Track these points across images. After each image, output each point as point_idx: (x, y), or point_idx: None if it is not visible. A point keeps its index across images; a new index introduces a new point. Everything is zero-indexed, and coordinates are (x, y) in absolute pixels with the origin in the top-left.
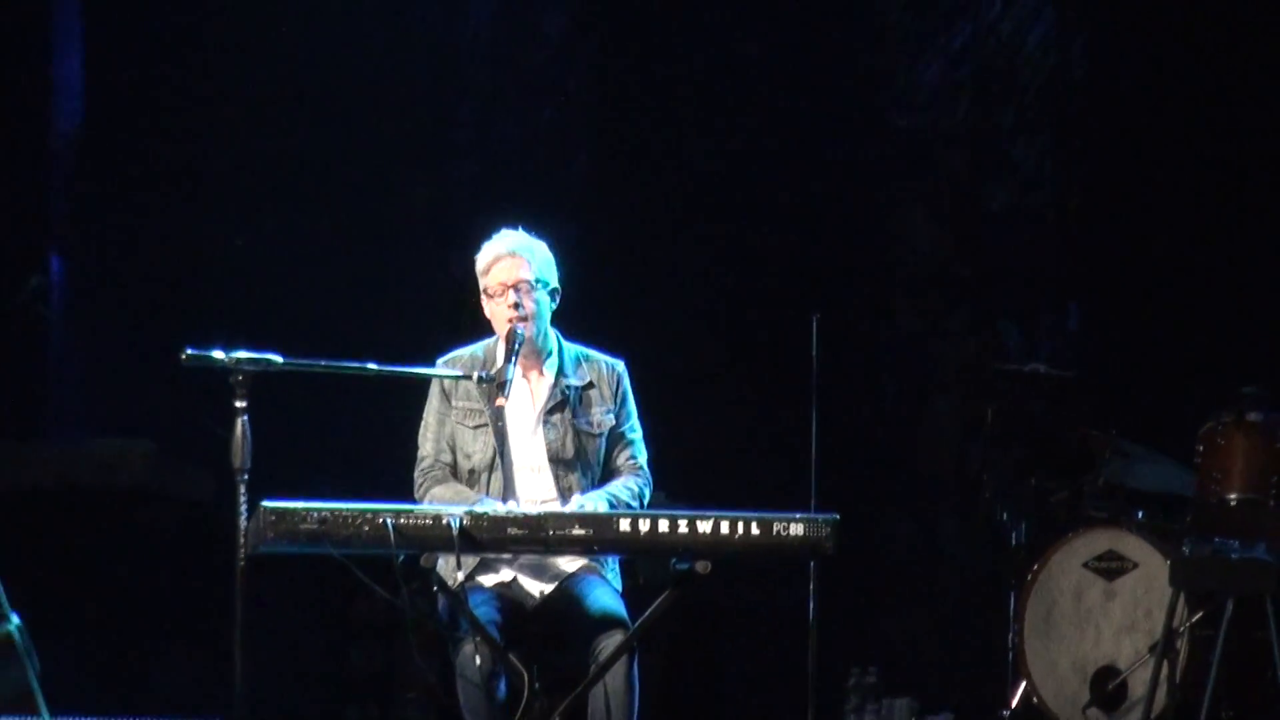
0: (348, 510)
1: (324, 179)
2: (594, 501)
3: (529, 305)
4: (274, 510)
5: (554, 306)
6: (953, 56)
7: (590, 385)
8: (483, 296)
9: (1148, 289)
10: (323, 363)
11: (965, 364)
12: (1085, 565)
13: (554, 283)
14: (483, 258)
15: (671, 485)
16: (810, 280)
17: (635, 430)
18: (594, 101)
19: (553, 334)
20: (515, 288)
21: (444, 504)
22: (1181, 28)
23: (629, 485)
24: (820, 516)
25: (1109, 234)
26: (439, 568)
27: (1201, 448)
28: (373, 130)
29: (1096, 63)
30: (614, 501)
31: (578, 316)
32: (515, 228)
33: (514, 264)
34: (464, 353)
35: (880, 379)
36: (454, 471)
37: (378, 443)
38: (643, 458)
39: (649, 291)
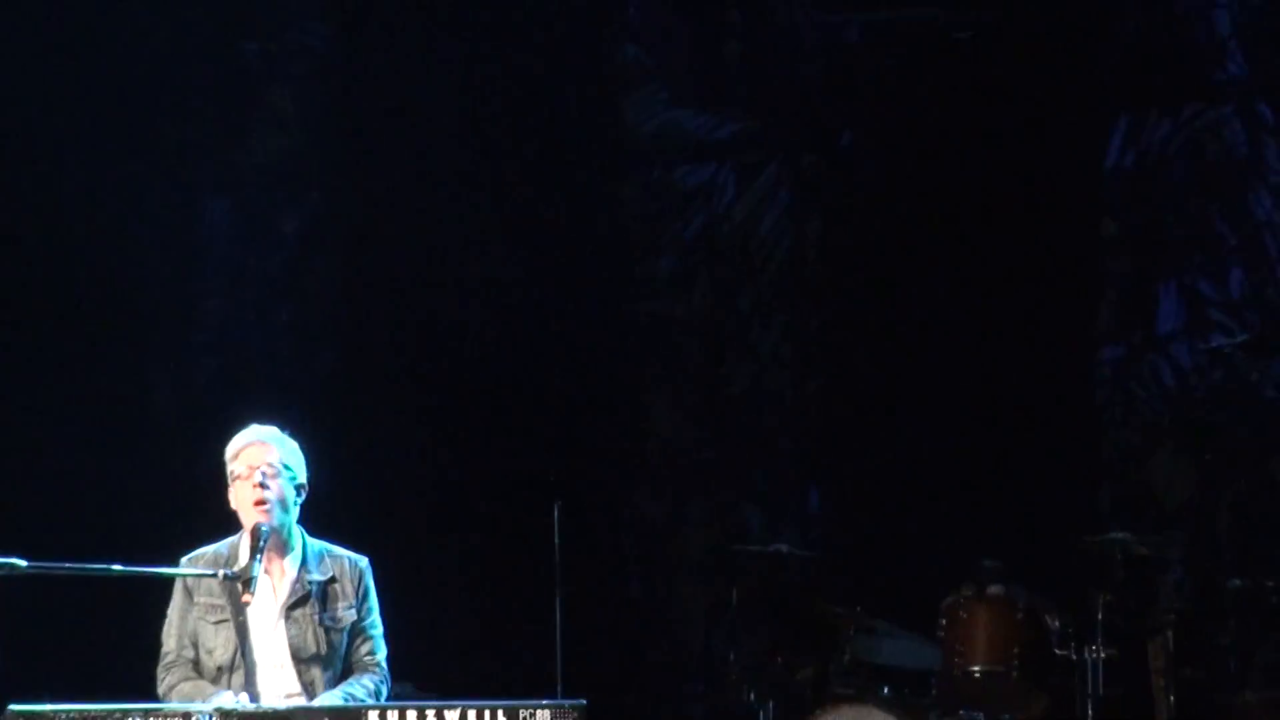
0: (96, 710)
1: (63, 376)
2: (331, 701)
3: (275, 489)
4: (22, 713)
5: (299, 501)
6: (688, 242)
7: (333, 580)
8: (229, 483)
9: (886, 467)
10: (67, 565)
11: (709, 547)
12: None
13: (301, 477)
14: (232, 444)
15: (420, 676)
16: (552, 468)
17: (376, 626)
18: (334, 301)
19: (297, 530)
20: (263, 470)
21: (190, 701)
22: (910, 210)
23: (365, 684)
24: (567, 703)
25: (847, 414)
26: None
27: (944, 621)
28: (114, 328)
29: (829, 245)
30: (350, 700)
31: (321, 514)
32: (266, 423)
33: (263, 449)
34: (208, 551)
35: (625, 564)
36: (196, 667)
37: (124, 641)
38: (382, 654)
39: (392, 486)
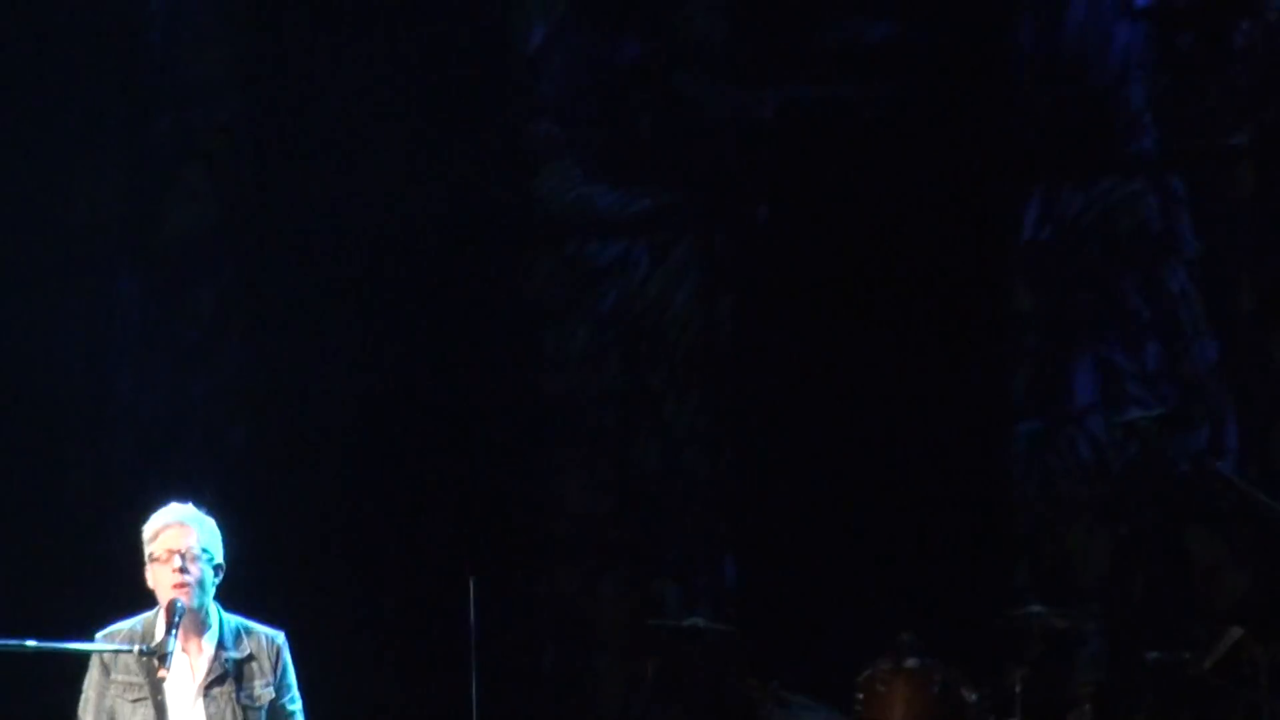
0: None
1: None
2: None
3: (195, 572)
4: None
5: (217, 581)
6: (601, 319)
7: (251, 658)
8: (147, 564)
9: (802, 540)
10: None
11: (624, 621)
12: None
13: (219, 558)
14: (151, 525)
15: None
16: (467, 543)
17: (295, 702)
18: (248, 376)
19: (214, 608)
20: (182, 554)
21: None
22: (824, 286)
23: None
24: None
25: (762, 488)
26: None
27: (861, 695)
28: (28, 405)
29: (743, 321)
30: None
31: (238, 588)
32: (185, 501)
33: (182, 532)
34: (123, 626)
35: (540, 639)
36: None
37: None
38: None
39: (308, 561)
